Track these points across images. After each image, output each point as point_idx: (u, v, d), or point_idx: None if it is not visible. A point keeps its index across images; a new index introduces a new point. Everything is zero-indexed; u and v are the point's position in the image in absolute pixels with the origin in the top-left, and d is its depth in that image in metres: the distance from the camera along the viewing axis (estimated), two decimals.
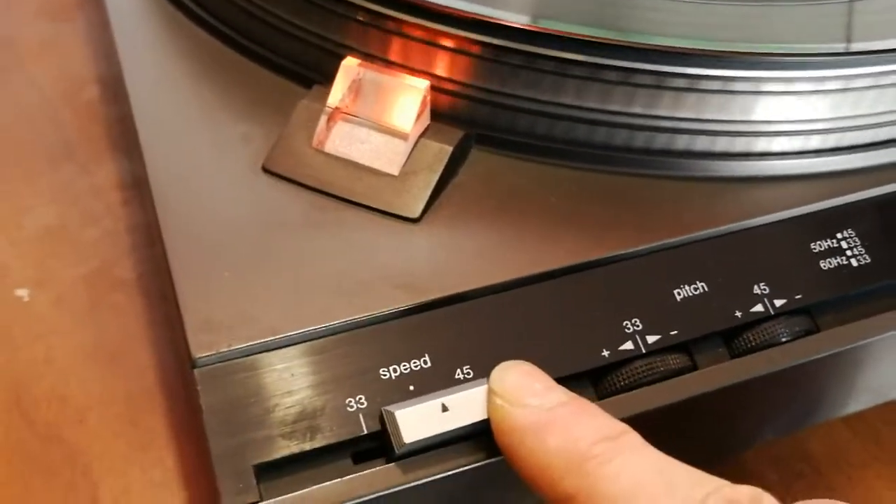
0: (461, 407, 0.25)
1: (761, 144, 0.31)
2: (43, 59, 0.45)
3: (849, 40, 0.30)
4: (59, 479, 0.32)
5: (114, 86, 0.44)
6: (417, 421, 0.24)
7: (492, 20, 0.29)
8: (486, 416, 0.25)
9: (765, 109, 0.30)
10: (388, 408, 0.25)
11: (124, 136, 0.42)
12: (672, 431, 0.28)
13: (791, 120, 0.31)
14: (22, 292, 0.36)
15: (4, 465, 0.32)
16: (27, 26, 0.46)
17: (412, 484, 0.24)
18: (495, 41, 0.29)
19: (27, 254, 0.38)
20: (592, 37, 0.29)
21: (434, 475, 0.25)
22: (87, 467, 0.32)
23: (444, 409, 0.25)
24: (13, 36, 0.46)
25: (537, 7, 0.31)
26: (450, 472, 0.25)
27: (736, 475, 0.34)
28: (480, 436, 0.25)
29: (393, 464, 0.25)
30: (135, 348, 0.35)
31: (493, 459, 0.25)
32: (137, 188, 0.40)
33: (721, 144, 0.31)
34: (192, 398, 0.25)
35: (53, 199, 0.39)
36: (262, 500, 0.24)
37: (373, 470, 0.25)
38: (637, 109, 0.30)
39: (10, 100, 0.43)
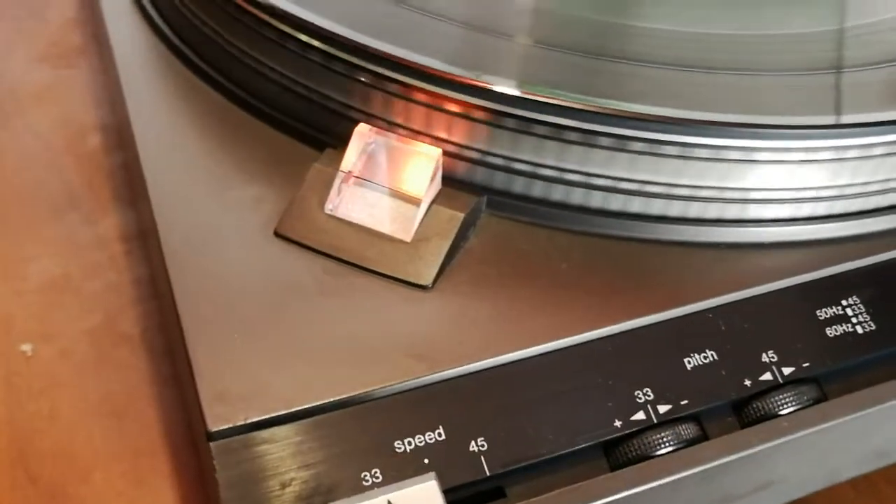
0: (406, 503, 0.24)
1: (770, 211, 0.31)
2: (45, 107, 0.45)
3: (854, 111, 0.31)
4: None
5: (116, 134, 0.44)
6: None
7: (495, 89, 0.29)
8: None
9: (775, 177, 0.30)
10: None
11: (127, 186, 0.42)
12: None
13: (796, 187, 0.31)
14: (26, 347, 0.36)
15: None
16: (30, 73, 0.46)
17: None
18: (500, 108, 0.29)
19: (31, 305, 0.37)
20: (586, 105, 0.29)
21: None
22: None
23: None
24: (16, 83, 0.46)
25: (539, 75, 0.32)
26: None
27: None
28: None
29: None
30: (140, 404, 0.35)
31: None
32: (140, 239, 0.40)
33: (731, 211, 0.31)
34: (208, 470, 0.25)
35: (57, 250, 0.39)
36: None
37: None
38: (646, 177, 0.30)
39: (13, 147, 0.43)
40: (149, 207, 0.31)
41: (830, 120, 0.30)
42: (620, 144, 0.30)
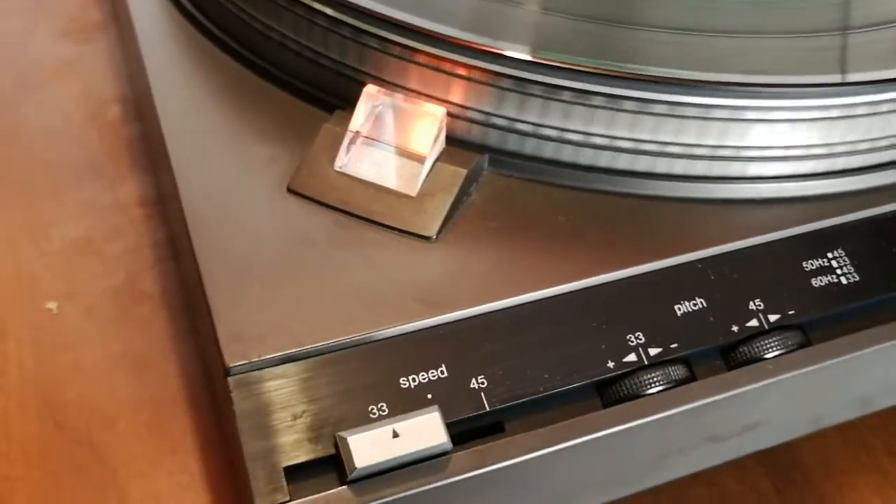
0: (411, 433, 0.26)
1: (758, 169, 0.33)
2: (67, 80, 0.47)
3: (844, 71, 0.32)
4: (90, 482, 0.33)
5: (135, 105, 0.46)
6: (369, 446, 0.26)
7: (498, 51, 0.31)
8: (433, 443, 0.26)
9: (764, 136, 0.32)
10: (342, 433, 0.26)
11: (146, 154, 0.44)
12: None
13: (786, 146, 0.32)
14: (52, 304, 0.38)
15: (38, 468, 0.33)
16: (52, 48, 0.48)
17: None
18: (502, 70, 0.31)
19: (56, 266, 0.39)
20: (587, 67, 0.31)
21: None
22: (116, 471, 0.34)
23: (395, 434, 0.26)
24: (39, 57, 0.48)
25: (541, 38, 0.33)
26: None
27: (730, 484, 0.36)
28: (430, 460, 0.26)
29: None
30: (160, 358, 0.37)
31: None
32: (159, 204, 0.42)
33: (721, 169, 0.32)
34: (225, 404, 0.27)
35: (80, 214, 0.41)
36: (290, 500, 0.25)
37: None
38: (643, 136, 0.32)
39: (37, 118, 0.45)
40: (169, 168, 0.33)
41: (821, 79, 0.32)
42: (617, 104, 0.31)
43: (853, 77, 0.32)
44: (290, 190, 0.32)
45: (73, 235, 0.40)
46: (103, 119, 0.45)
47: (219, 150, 0.33)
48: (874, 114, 0.32)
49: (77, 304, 0.38)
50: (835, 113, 0.32)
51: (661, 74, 0.31)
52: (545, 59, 0.31)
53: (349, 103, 0.32)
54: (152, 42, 0.37)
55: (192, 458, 0.34)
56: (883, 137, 0.33)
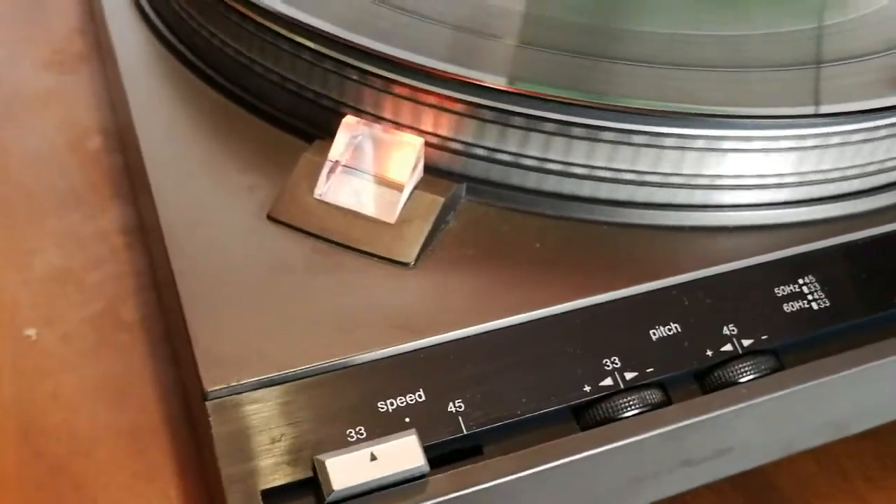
0: (388, 456, 0.26)
1: (732, 197, 0.33)
2: (50, 110, 0.47)
3: (817, 103, 0.33)
4: None
5: (116, 136, 0.46)
6: (347, 469, 0.26)
7: (474, 81, 0.31)
8: (410, 466, 0.26)
9: (739, 165, 0.33)
10: (320, 456, 0.26)
11: (127, 184, 0.44)
12: None
13: (761, 175, 0.33)
14: (31, 331, 0.38)
15: (15, 496, 0.33)
16: (36, 78, 0.49)
17: None
18: (477, 100, 0.32)
19: (36, 294, 0.39)
20: (563, 98, 0.31)
21: None
22: (95, 499, 0.34)
23: (373, 457, 0.26)
24: (22, 86, 0.48)
25: (518, 70, 0.34)
26: None
27: None
28: (408, 483, 0.26)
29: None
30: (139, 386, 0.37)
31: None
32: (139, 233, 0.42)
33: (694, 197, 0.33)
34: (203, 429, 0.27)
35: (61, 242, 0.41)
36: None
37: None
38: (614, 164, 0.32)
39: (20, 147, 0.45)
40: (150, 196, 0.33)
41: (796, 111, 0.33)
42: (592, 134, 0.32)
43: (826, 109, 0.33)
44: (270, 217, 0.32)
45: (53, 263, 0.41)
46: (85, 149, 0.46)
47: (200, 178, 0.33)
48: (846, 143, 0.33)
49: (56, 330, 0.38)
50: (808, 143, 0.33)
51: (633, 106, 0.31)
52: (520, 90, 0.32)
53: (329, 133, 0.33)
54: (134, 73, 0.38)
55: (171, 485, 0.34)
56: (853, 167, 0.34)
